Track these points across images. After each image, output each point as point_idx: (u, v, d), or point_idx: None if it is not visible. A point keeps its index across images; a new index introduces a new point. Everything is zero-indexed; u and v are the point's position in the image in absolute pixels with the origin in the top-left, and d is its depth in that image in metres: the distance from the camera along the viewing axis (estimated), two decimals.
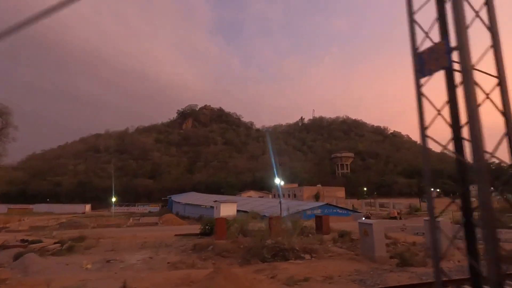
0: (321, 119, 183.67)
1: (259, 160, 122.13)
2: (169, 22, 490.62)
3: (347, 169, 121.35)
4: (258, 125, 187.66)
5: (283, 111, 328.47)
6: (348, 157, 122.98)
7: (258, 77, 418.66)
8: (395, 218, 37.38)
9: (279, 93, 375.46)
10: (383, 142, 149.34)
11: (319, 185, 67.78)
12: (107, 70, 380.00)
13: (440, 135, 3.01)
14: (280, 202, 36.96)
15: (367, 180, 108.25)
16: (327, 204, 38.78)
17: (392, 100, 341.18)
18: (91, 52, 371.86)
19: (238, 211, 38.64)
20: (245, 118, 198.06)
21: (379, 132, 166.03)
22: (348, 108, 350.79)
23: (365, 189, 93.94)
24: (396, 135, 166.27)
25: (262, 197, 67.69)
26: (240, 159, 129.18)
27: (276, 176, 34.72)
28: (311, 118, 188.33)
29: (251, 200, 51.68)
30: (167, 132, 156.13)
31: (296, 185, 72.57)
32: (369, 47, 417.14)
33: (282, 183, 36.93)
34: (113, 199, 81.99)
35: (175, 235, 20.97)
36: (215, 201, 42.54)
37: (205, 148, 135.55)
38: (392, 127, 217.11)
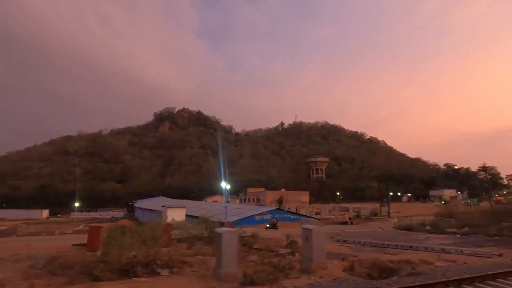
0: (300, 124, 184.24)
1: (236, 164, 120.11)
2: (154, 25, 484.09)
3: (321, 174, 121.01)
4: (238, 129, 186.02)
5: (266, 116, 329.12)
6: (323, 162, 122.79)
7: (243, 81, 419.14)
8: (346, 223, 36.27)
9: (263, 97, 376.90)
10: (359, 147, 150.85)
11: (283, 190, 66.58)
12: (87, 71, 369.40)
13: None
14: (225, 207, 35.28)
15: (341, 184, 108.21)
16: (278, 209, 37.39)
17: (373, 107, 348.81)
18: (70, 52, 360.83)
19: (189, 216, 36.54)
20: (228, 122, 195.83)
21: (356, 138, 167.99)
22: (330, 114, 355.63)
23: (338, 193, 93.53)
24: (372, 141, 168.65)
25: (229, 202, 65.70)
26: (215, 163, 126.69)
27: (223, 179, 32.90)
28: (291, 123, 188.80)
29: (209, 205, 49.57)
30: (142, 135, 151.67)
31: (263, 189, 71.08)
32: (352, 54, 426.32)
33: (228, 186, 35.19)
34: (76, 204, 77.45)
35: (73, 245, 18.63)
36: (163, 206, 40.31)
37: (179, 152, 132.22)
38: (371, 133, 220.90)
